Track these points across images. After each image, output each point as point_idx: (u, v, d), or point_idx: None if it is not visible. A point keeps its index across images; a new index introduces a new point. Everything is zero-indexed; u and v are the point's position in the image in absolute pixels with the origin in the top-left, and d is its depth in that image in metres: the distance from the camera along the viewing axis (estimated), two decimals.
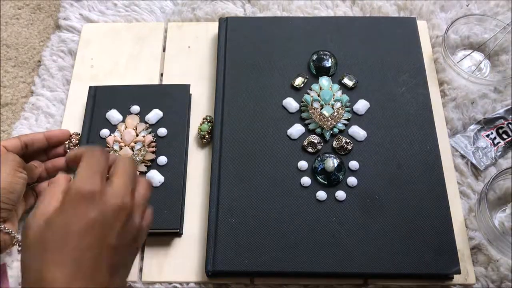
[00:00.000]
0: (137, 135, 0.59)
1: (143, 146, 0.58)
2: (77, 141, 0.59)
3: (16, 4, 0.76)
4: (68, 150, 0.59)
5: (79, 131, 0.61)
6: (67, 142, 0.59)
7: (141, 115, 0.61)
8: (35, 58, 0.71)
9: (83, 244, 0.38)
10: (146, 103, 0.62)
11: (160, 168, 0.57)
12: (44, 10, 0.75)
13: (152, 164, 0.58)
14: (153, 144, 0.59)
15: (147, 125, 0.60)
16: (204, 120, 0.62)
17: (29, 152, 0.57)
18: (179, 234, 0.56)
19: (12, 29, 0.73)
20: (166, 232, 0.55)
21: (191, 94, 0.64)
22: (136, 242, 0.43)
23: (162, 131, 0.60)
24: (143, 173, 0.57)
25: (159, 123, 0.61)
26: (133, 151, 0.57)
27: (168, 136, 0.60)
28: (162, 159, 0.58)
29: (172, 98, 0.62)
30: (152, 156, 0.58)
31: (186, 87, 0.63)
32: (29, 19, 0.74)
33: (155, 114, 0.61)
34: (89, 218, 0.39)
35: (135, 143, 0.58)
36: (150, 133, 0.59)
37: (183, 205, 0.57)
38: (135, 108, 0.61)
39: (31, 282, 0.38)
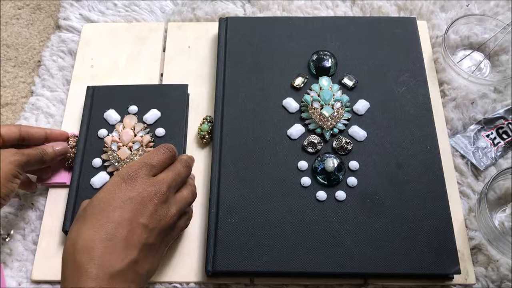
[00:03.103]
0: (135, 135, 0.59)
1: (141, 146, 0.58)
2: (75, 143, 0.59)
3: (16, 4, 0.76)
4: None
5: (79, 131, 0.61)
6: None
7: (139, 115, 0.61)
8: (35, 58, 0.71)
9: (117, 216, 0.43)
10: (144, 103, 0.62)
11: None
12: (44, 10, 0.75)
13: None
14: (151, 144, 0.59)
15: (145, 125, 0.60)
16: (204, 120, 0.62)
17: (23, 144, 0.55)
18: None
19: (12, 29, 0.73)
20: None
21: (189, 94, 0.64)
22: (167, 234, 0.47)
23: (160, 131, 0.60)
24: None
25: (157, 123, 0.61)
26: (131, 151, 0.57)
27: (166, 136, 0.60)
28: None
29: (170, 98, 0.62)
30: None
31: (184, 87, 0.63)
32: (29, 19, 0.74)
33: (153, 114, 0.61)
34: (126, 196, 0.44)
35: (133, 143, 0.58)
36: (148, 133, 0.59)
37: None
38: (133, 108, 0.61)
39: (67, 249, 0.42)
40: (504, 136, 0.62)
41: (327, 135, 0.59)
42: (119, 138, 0.58)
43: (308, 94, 0.61)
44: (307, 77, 0.63)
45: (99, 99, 0.62)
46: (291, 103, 0.61)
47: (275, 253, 0.52)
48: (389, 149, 0.58)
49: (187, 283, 0.54)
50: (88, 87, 0.63)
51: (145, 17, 0.73)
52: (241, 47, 0.65)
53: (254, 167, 0.57)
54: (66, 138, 0.59)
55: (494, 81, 0.65)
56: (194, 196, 0.51)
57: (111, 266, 0.41)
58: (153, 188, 0.45)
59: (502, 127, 0.63)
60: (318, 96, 0.61)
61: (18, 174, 0.51)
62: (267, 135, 0.59)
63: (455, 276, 0.53)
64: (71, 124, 0.63)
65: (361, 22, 0.68)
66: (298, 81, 0.62)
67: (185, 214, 0.51)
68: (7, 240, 0.56)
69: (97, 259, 0.40)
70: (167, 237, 0.47)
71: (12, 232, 0.57)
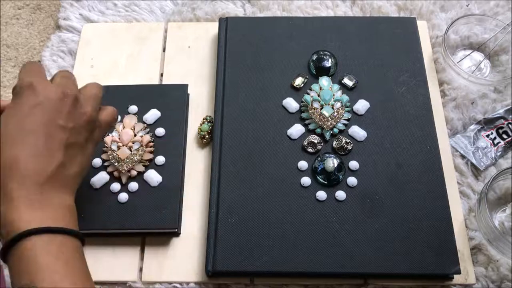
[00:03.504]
0: (135, 135, 0.59)
1: (141, 146, 0.58)
2: None
3: (16, 4, 0.76)
4: None
5: None
6: None
7: (139, 115, 0.61)
8: (35, 58, 0.71)
9: (33, 124, 0.42)
10: (144, 103, 0.62)
11: (158, 168, 0.57)
12: (44, 10, 0.75)
13: (150, 164, 0.58)
14: (151, 144, 0.59)
15: (145, 125, 0.60)
16: (204, 120, 0.62)
17: None
18: (177, 234, 0.56)
19: (12, 29, 0.73)
20: (164, 232, 0.55)
21: (189, 94, 0.64)
22: (91, 131, 0.46)
23: (160, 131, 0.60)
24: (141, 173, 0.57)
25: (157, 123, 0.61)
26: (131, 151, 0.57)
27: (166, 136, 0.60)
28: (160, 159, 0.58)
29: (170, 98, 0.62)
30: (150, 156, 0.58)
31: (184, 87, 0.63)
32: (29, 19, 0.75)
33: (153, 114, 0.61)
34: (33, 102, 0.42)
35: (133, 143, 0.58)
36: (148, 133, 0.59)
37: (181, 205, 0.57)
38: (133, 108, 0.61)
39: None
40: (504, 136, 0.62)
41: (327, 135, 0.59)
42: (119, 138, 0.58)
43: (308, 94, 0.61)
44: (307, 77, 0.63)
45: None
46: (291, 103, 0.61)
47: (275, 253, 0.52)
48: (389, 149, 0.58)
49: (187, 283, 0.54)
50: None
51: (145, 17, 0.73)
52: (241, 47, 0.65)
53: (254, 167, 0.57)
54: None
55: (494, 81, 0.65)
56: (100, 89, 0.49)
57: (40, 173, 0.41)
58: (58, 88, 0.44)
59: (502, 127, 0.63)
60: (318, 96, 0.61)
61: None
62: (267, 135, 0.59)
63: (455, 276, 0.53)
64: None
65: (361, 22, 0.68)
66: (298, 81, 0.62)
67: (104, 109, 0.49)
68: None
69: (22, 172, 0.40)
70: (91, 135, 0.46)
71: None
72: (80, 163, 0.45)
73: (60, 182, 0.42)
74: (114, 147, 0.58)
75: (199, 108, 0.64)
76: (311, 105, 0.60)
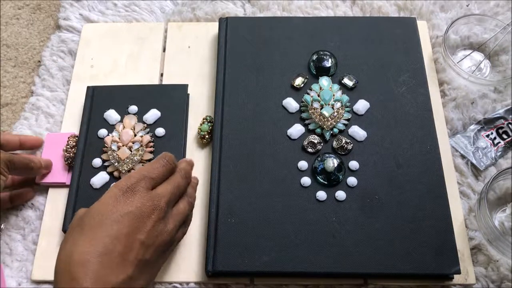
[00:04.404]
0: (135, 135, 0.59)
1: (141, 146, 0.58)
2: (74, 143, 0.59)
3: (16, 4, 0.76)
4: (66, 153, 0.59)
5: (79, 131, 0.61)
6: (65, 145, 0.59)
7: (139, 115, 0.61)
8: (35, 58, 0.71)
9: (115, 231, 0.42)
10: (144, 103, 0.62)
11: None
12: (44, 10, 0.75)
13: None
14: (151, 144, 0.59)
15: (145, 125, 0.60)
16: (204, 120, 0.62)
17: None
18: None
19: (12, 29, 0.73)
20: None
21: (189, 94, 0.64)
22: (165, 250, 0.46)
23: (160, 131, 0.60)
24: None
25: (157, 123, 0.61)
26: (131, 151, 0.57)
27: (166, 136, 0.60)
28: None
29: (170, 98, 0.62)
30: (150, 156, 0.58)
31: (184, 87, 0.63)
32: (29, 19, 0.74)
33: (153, 114, 0.61)
34: (124, 210, 0.43)
35: (133, 143, 0.58)
36: (148, 133, 0.60)
37: None
38: (133, 108, 0.61)
39: (61, 259, 0.41)
40: (504, 136, 0.62)
41: (327, 135, 0.59)
42: (119, 138, 0.58)
43: (308, 94, 0.61)
44: (307, 77, 0.63)
45: (99, 99, 0.62)
46: (291, 103, 0.61)
47: (275, 253, 0.52)
48: (389, 149, 0.58)
49: (187, 283, 0.54)
50: (88, 87, 0.63)
51: (145, 17, 0.73)
52: (241, 47, 0.65)
53: (254, 167, 0.57)
54: (40, 144, 0.60)
55: (494, 81, 0.65)
56: (191, 207, 0.50)
57: (107, 281, 0.40)
58: (152, 203, 0.44)
59: (502, 127, 0.63)
60: (318, 96, 0.61)
61: (3, 171, 0.51)
62: (267, 135, 0.59)
63: (455, 276, 0.53)
64: (71, 124, 0.63)
65: (361, 22, 0.68)
66: (298, 81, 0.62)
67: (183, 225, 0.50)
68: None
69: (92, 274, 0.40)
70: (164, 253, 0.47)
71: (2, 226, 0.57)
72: (147, 279, 0.45)
73: None
74: (114, 147, 0.58)
75: (199, 108, 0.64)
76: (311, 105, 0.60)
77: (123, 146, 0.58)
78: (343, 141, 0.58)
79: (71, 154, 0.59)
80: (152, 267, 0.45)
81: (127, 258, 0.42)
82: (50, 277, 0.54)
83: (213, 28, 0.70)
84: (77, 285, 0.39)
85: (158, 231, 0.44)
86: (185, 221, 0.50)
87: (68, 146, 0.59)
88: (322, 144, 0.58)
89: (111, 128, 0.60)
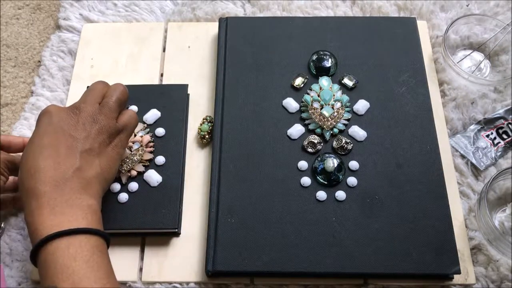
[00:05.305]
0: (135, 135, 0.59)
1: (141, 146, 0.58)
2: None
3: (16, 4, 0.76)
4: None
5: None
6: None
7: (139, 115, 0.61)
8: (35, 58, 0.71)
9: (49, 138, 0.47)
10: (144, 103, 0.62)
11: (158, 168, 0.57)
12: (44, 10, 0.75)
13: (150, 164, 0.58)
14: (151, 144, 0.59)
15: (145, 125, 0.60)
16: (204, 120, 0.62)
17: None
18: (177, 234, 0.56)
19: (12, 29, 0.73)
20: (164, 232, 0.55)
21: (189, 94, 0.64)
22: (108, 137, 0.49)
23: (160, 131, 0.60)
24: (141, 173, 0.57)
25: (157, 123, 0.61)
26: (131, 151, 0.57)
27: (166, 136, 0.60)
28: (160, 159, 0.58)
29: (170, 98, 0.62)
30: (150, 156, 0.58)
31: (184, 87, 0.63)
32: (29, 19, 0.74)
33: (153, 114, 0.61)
34: (48, 121, 0.48)
35: (133, 143, 0.58)
36: (148, 133, 0.60)
37: (181, 205, 0.57)
38: (133, 108, 0.61)
39: (24, 172, 0.46)
40: (504, 136, 0.62)
41: (327, 135, 0.59)
42: None
43: (308, 94, 0.61)
44: (307, 77, 0.63)
45: None
46: (291, 103, 0.61)
47: (275, 253, 0.52)
48: (389, 149, 0.58)
49: (187, 283, 0.54)
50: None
51: (145, 17, 0.73)
52: (241, 47, 0.65)
53: (254, 167, 0.57)
54: None
55: (494, 81, 0.65)
56: (120, 93, 0.52)
57: (57, 179, 0.45)
58: (68, 108, 0.49)
59: (502, 127, 0.63)
60: (318, 96, 0.61)
61: (3, 171, 0.51)
62: (267, 135, 0.59)
63: (455, 276, 0.53)
64: None
65: (361, 22, 0.68)
66: (298, 81, 0.62)
67: (124, 113, 0.52)
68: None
69: (42, 179, 0.44)
70: (110, 140, 0.49)
71: (2, 225, 0.57)
72: (98, 166, 0.48)
73: (79, 184, 0.46)
74: None
75: (199, 108, 0.64)
76: (311, 105, 0.60)
77: None
78: (343, 141, 0.58)
79: None
80: (100, 155, 0.48)
81: (68, 154, 0.46)
82: None
83: (213, 28, 0.70)
84: (35, 192, 0.44)
85: (87, 124, 0.48)
86: (120, 104, 0.52)
87: None
88: (322, 144, 0.58)
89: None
